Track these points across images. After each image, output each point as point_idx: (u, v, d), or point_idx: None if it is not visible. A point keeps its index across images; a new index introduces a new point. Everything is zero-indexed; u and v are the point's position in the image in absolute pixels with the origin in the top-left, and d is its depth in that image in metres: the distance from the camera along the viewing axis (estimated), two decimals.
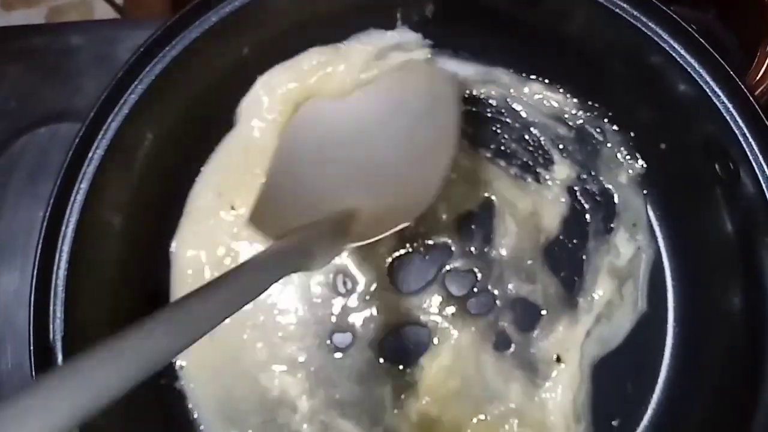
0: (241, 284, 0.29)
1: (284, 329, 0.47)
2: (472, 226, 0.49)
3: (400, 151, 0.44)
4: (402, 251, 0.49)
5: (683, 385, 0.46)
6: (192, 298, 0.26)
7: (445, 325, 0.47)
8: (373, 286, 0.48)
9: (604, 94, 0.49)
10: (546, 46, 0.47)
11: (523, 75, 0.51)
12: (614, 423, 0.46)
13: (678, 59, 0.41)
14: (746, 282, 0.42)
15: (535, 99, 0.51)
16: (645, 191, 0.49)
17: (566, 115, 0.51)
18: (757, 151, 0.39)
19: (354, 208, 0.40)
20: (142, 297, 0.46)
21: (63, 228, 0.39)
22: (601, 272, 0.48)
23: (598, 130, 0.50)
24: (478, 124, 0.51)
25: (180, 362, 0.46)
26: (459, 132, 0.44)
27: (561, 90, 0.51)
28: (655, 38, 0.41)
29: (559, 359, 0.46)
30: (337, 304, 0.48)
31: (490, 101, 0.51)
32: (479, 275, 0.48)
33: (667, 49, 0.41)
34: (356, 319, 0.47)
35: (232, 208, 0.48)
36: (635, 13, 0.41)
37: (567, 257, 0.49)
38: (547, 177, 0.50)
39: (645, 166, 0.49)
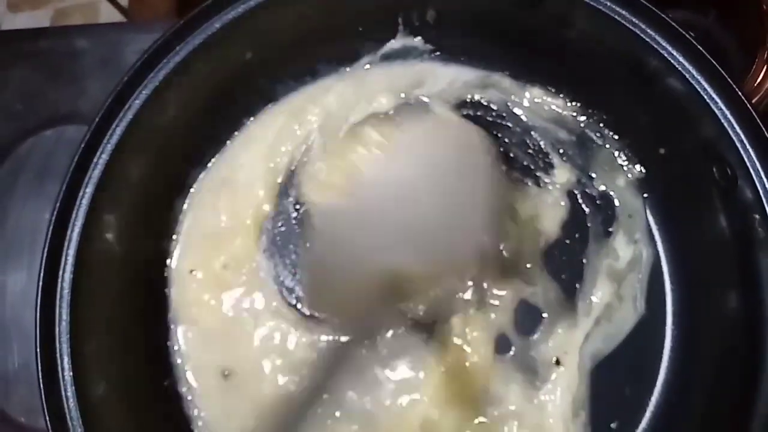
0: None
1: None
2: None
3: (439, 206, 0.44)
4: None
5: (681, 388, 0.46)
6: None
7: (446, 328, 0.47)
8: None
9: (604, 99, 0.49)
10: (546, 51, 0.48)
11: (524, 80, 0.51)
12: (613, 426, 0.46)
13: (676, 65, 0.41)
14: (744, 286, 0.42)
15: (536, 104, 0.51)
16: (644, 195, 0.50)
17: (566, 120, 0.51)
18: (754, 157, 0.39)
19: (401, 269, 0.43)
20: (146, 297, 0.47)
21: (68, 232, 0.40)
22: (601, 275, 0.48)
23: (597, 134, 0.51)
24: None
25: None
26: (498, 182, 0.46)
27: (561, 95, 0.51)
28: (654, 45, 0.41)
29: (558, 362, 0.46)
30: None
31: (491, 106, 0.52)
32: None
33: (665, 55, 0.41)
34: None
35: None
36: (634, 19, 0.41)
37: (567, 260, 0.49)
38: (548, 181, 0.50)
39: (644, 170, 0.50)
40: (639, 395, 0.47)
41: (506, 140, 0.51)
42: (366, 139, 0.45)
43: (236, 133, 0.51)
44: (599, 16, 0.42)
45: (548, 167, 0.50)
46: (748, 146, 0.39)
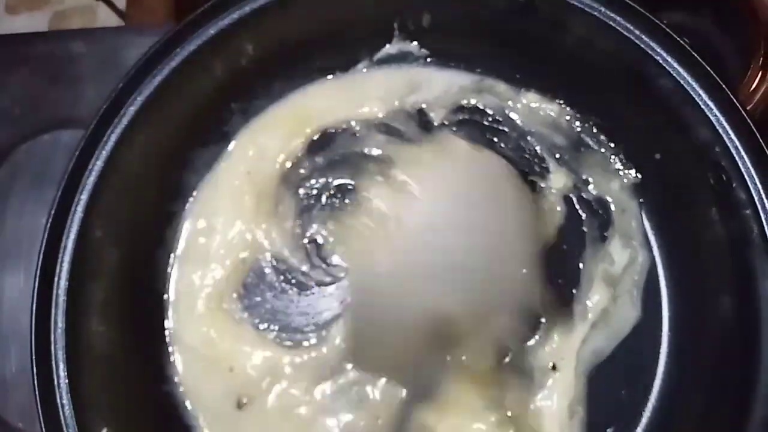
0: None
1: None
2: None
3: (477, 241, 0.44)
4: None
5: (677, 392, 0.46)
6: None
7: None
8: None
9: (599, 104, 0.49)
10: (541, 56, 0.48)
11: (519, 85, 0.51)
12: (609, 431, 0.46)
13: (671, 71, 0.41)
14: (739, 290, 0.42)
15: (531, 108, 0.51)
16: (640, 200, 0.50)
17: (562, 125, 0.51)
18: (749, 164, 0.39)
19: (447, 314, 0.43)
20: (142, 303, 0.47)
21: (64, 240, 0.40)
22: (597, 280, 0.48)
23: (593, 139, 0.51)
24: (476, 134, 0.51)
25: None
26: (529, 205, 0.47)
27: (556, 100, 0.51)
28: (648, 51, 0.41)
29: (554, 367, 0.46)
30: None
31: (487, 110, 0.52)
32: None
33: (660, 61, 0.41)
34: None
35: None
36: (628, 25, 0.42)
37: (563, 265, 0.49)
38: (544, 185, 0.50)
39: (639, 175, 0.50)
40: (635, 399, 0.47)
41: (502, 145, 0.51)
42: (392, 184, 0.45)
43: (234, 137, 0.51)
44: (594, 22, 0.43)
45: (544, 172, 0.51)
46: (743, 152, 0.40)
